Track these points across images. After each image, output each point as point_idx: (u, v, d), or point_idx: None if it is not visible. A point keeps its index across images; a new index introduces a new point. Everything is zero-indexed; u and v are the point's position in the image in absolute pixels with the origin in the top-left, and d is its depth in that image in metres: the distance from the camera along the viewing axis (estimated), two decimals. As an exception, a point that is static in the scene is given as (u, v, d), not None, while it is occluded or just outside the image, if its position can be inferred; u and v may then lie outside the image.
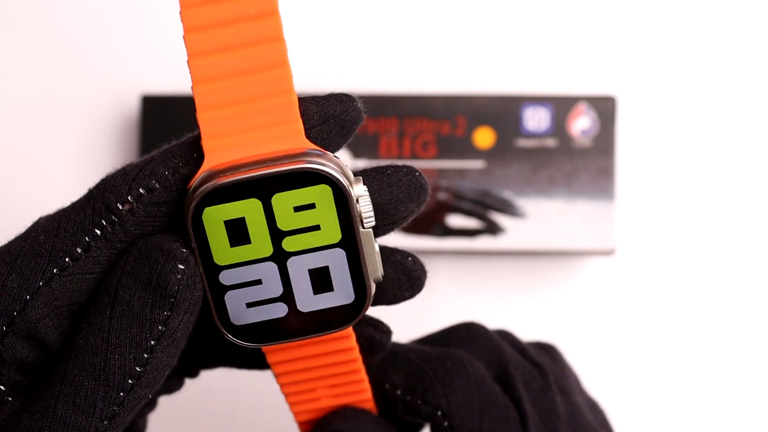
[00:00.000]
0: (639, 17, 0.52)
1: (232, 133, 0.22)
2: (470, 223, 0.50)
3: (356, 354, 0.27)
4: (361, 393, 0.28)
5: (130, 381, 0.22)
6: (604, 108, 0.50)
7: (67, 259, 0.23)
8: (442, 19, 0.53)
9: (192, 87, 0.22)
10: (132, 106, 0.52)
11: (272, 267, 0.23)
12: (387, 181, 0.24)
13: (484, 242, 0.49)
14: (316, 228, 0.23)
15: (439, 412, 0.28)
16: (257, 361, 0.28)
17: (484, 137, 0.50)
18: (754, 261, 0.52)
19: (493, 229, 0.49)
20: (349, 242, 0.23)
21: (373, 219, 0.23)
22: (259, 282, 0.23)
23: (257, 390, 0.51)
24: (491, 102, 0.50)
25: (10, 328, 0.23)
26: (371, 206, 0.23)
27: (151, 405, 0.29)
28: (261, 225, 0.23)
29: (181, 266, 0.22)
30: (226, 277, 0.23)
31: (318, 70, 0.52)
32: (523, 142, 0.50)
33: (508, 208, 0.49)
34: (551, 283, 0.52)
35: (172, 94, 0.50)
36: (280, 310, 0.24)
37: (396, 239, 0.49)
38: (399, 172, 0.24)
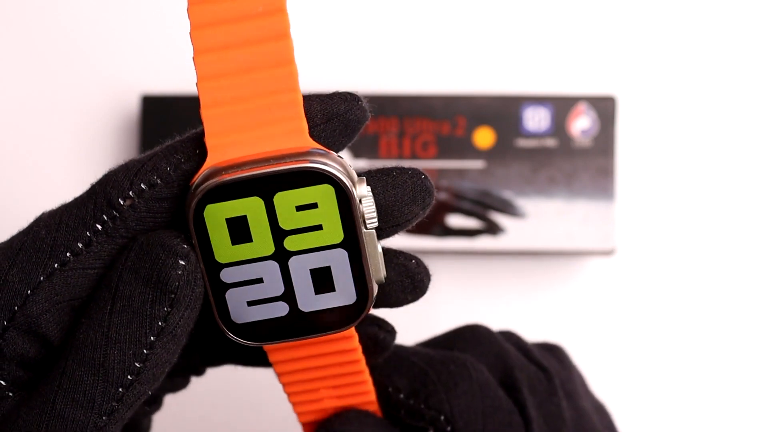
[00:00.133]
0: (639, 17, 0.52)
1: (236, 130, 0.22)
2: (470, 223, 0.50)
3: (359, 355, 0.26)
4: (364, 395, 0.28)
5: (129, 377, 0.22)
6: (604, 108, 0.50)
7: (68, 254, 0.23)
8: (442, 19, 0.53)
9: (197, 83, 0.22)
10: (132, 106, 0.52)
11: (273, 266, 0.23)
12: (392, 183, 0.24)
13: (484, 242, 0.49)
14: (318, 228, 0.23)
15: (442, 417, 0.28)
16: (262, 359, 0.28)
17: (484, 137, 0.50)
18: (754, 261, 0.52)
19: (493, 229, 0.49)
20: (352, 243, 0.23)
21: (375, 220, 0.23)
22: (260, 281, 0.23)
23: (262, 389, 0.51)
24: (491, 102, 0.50)
25: (11, 322, 0.23)
26: (374, 207, 0.23)
27: (157, 404, 0.29)
28: (263, 223, 0.23)
29: (182, 262, 0.22)
30: (227, 275, 0.23)
31: (318, 70, 0.52)
32: (523, 142, 0.50)
33: (508, 208, 0.49)
34: (551, 283, 0.52)
35: (172, 94, 0.50)
36: (281, 310, 0.24)
37: (396, 239, 0.49)
38: (404, 174, 0.24)
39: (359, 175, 0.24)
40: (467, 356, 0.29)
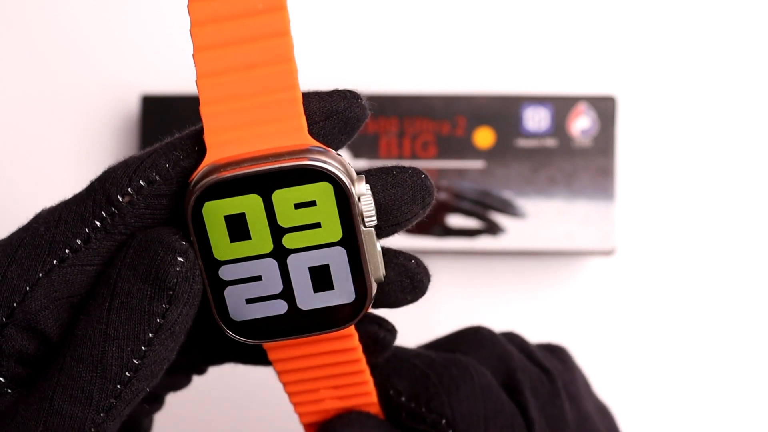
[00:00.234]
0: (639, 17, 0.52)
1: (235, 127, 0.22)
2: (470, 223, 0.50)
3: (359, 354, 0.26)
4: (365, 396, 0.28)
5: (127, 373, 0.22)
6: (604, 108, 0.50)
7: (67, 251, 0.23)
8: (442, 19, 0.53)
9: (196, 80, 0.22)
10: (132, 106, 0.52)
11: (272, 264, 0.23)
12: (392, 182, 0.24)
13: (484, 242, 0.49)
14: (317, 226, 0.23)
15: (444, 421, 0.28)
16: (262, 357, 0.27)
17: (484, 137, 0.50)
18: (754, 261, 0.52)
19: (493, 229, 0.49)
20: (350, 241, 0.23)
21: (374, 218, 0.23)
22: (258, 278, 0.23)
23: (263, 389, 0.51)
24: (491, 102, 0.50)
25: (9, 319, 0.23)
26: (373, 205, 0.23)
27: (158, 403, 0.29)
28: (261, 221, 0.23)
29: (180, 259, 0.22)
30: (225, 273, 0.23)
31: (318, 69, 0.52)
32: (523, 142, 0.50)
33: (508, 208, 0.49)
34: (551, 283, 0.52)
35: (172, 94, 0.50)
36: (280, 308, 0.24)
37: (396, 239, 0.49)
38: (404, 173, 0.24)
39: (359, 173, 0.24)
40: (469, 359, 0.29)
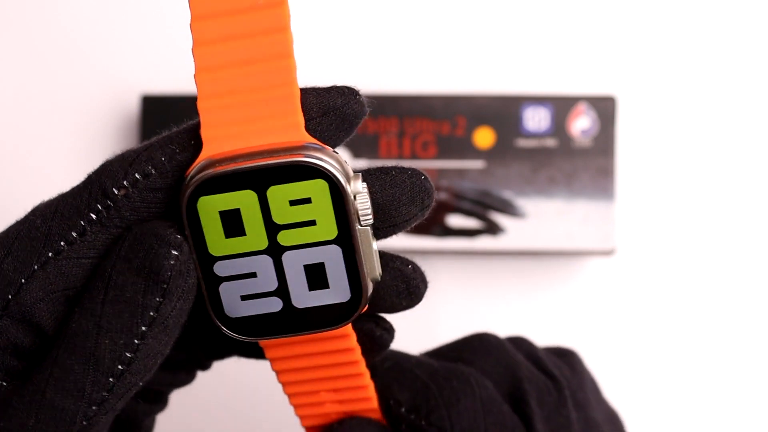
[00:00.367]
0: (639, 17, 0.52)
1: (232, 123, 0.22)
2: (470, 223, 0.49)
3: (357, 356, 0.26)
4: (366, 401, 0.28)
5: (120, 367, 0.22)
6: (604, 108, 0.50)
7: (62, 243, 0.22)
8: (442, 19, 0.53)
9: (194, 75, 0.22)
10: (132, 106, 0.52)
11: (267, 260, 0.23)
12: (390, 182, 0.24)
13: (484, 242, 0.49)
14: (312, 223, 0.23)
15: None
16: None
17: (484, 137, 0.50)
18: (754, 260, 0.52)
19: (493, 229, 0.49)
20: (346, 239, 0.23)
21: (370, 217, 0.23)
22: (253, 275, 0.23)
23: (265, 394, 0.51)
24: (491, 102, 0.50)
25: (4, 311, 0.22)
26: (369, 204, 0.23)
27: (162, 403, 0.29)
28: (256, 217, 0.22)
29: (174, 252, 0.22)
30: (220, 269, 0.23)
31: (319, 69, 0.52)
32: (523, 142, 0.50)
33: (508, 208, 0.49)
34: (551, 283, 0.52)
35: (172, 94, 0.50)
36: (275, 305, 0.24)
37: (396, 238, 0.49)
38: (403, 173, 0.24)
39: (356, 172, 0.23)
40: (472, 370, 0.29)
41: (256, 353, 0.28)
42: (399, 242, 0.49)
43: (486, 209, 0.49)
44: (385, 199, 0.24)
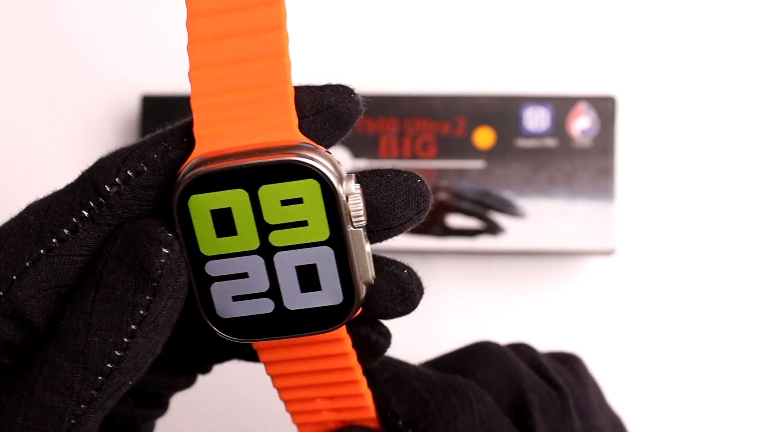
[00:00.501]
0: (639, 17, 0.52)
1: (225, 121, 0.22)
2: (470, 223, 0.49)
3: (352, 361, 0.26)
4: (364, 410, 0.27)
5: (109, 365, 0.22)
6: (604, 108, 0.50)
7: (54, 240, 0.22)
8: (442, 19, 0.53)
9: (188, 73, 0.22)
10: (132, 106, 0.52)
11: (259, 261, 0.23)
12: (385, 184, 0.23)
13: (484, 242, 0.49)
14: (304, 224, 0.22)
15: None
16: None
17: (484, 137, 0.50)
18: (754, 260, 0.52)
19: (493, 229, 0.49)
20: (338, 241, 0.23)
21: (363, 218, 0.22)
22: (245, 275, 0.23)
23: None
24: (491, 102, 0.50)
25: None
26: (361, 205, 0.22)
27: (162, 408, 0.29)
28: (247, 217, 0.22)
29: (165, 250, 0.22)
30: (211, 268, 0.23)
31: (318, 69, 0.52)
32: (523, 142, 0.50)
33: (508, 208, 0.49)
34: (551, 283, 0.52)
35: (172, 94, 0.50)
36: (267, 306, 0.23)
37: (396, 239, 0.49)
38: (399, 176, 0.23)
39: (351, 173, 0.23)
40: (471, 384, 0.29)
41: (257, 356, 0.27)
42: (399, 242, 0.49)
43: (486, 209, 0.49)
44: (379, 201, 0.23)
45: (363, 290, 0.24)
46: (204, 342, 0.27)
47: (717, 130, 0.52)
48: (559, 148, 0.49)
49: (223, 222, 0.22)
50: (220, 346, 0.28)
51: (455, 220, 0.49)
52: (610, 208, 0.49)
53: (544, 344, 0.53)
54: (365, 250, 0.23)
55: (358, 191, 0.22)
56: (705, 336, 0.52)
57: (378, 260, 0.25)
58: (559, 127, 0.50)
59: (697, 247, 0.52)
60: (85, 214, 0.22)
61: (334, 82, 0.23)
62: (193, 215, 0.22)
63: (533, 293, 0.52)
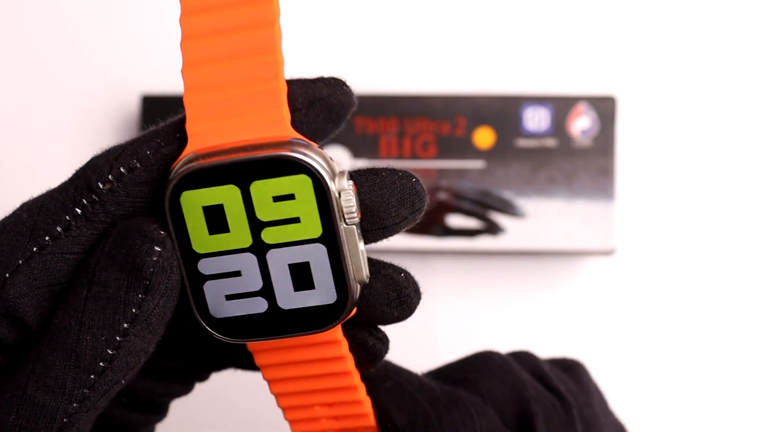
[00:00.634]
0: (639, 17, 0.52)
1: (217, 117, 0.22)
2: (470, 223, 0.49)
3: (349, 366, 0.25)
4: (363, 418, 0.27)
5: (101, 364, 0.22)
6: (604, 108, 0.50)
7: (47, 238, 0.22)
8: (442, 19, 0.53)
9: (181, 69, 0.22)
10: (132, 106, 0.52)
11: (251, 259, 0.22)
12: (379, 183, 0.23)
13: (484, 242, 0.49)
14: (296, 220, 0.22)
15: None
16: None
17: (484, 137, 0.50)
18: (754, 260, 0.52)
19: (493, 229, 0.49)
20: (330, 238, 0.22)
21: (355, 215, 0.22)
22: (238, 274, 0.23)
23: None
24: (491, 102, 0.50)
25: None
26: (353, 201, 0.22)
27: (159, 413, 0.29)
28: (239, 213, 0.22)
29: (157, 248, 0.22)
30: (204, 266, 0.23)
31: (318, 69, 0.52)
32: (523, 142, 0.50)
33: (508, 208, 0.49)
34: (551, 283, 0.52)
35: (172, 94, 0.50)
36: (260, 306, 0.23)
37: (396, 239, 0.49)
38: (393, 174, 0.23)
39: (345, 170, 0.23)
40: (474, 398, 0.28)
41: (253, 364, 0.27)
42: (399, 242, 0.49)
43: (486, 209, 0.49)
44: (374, 200, 0.23)
45: (357, 289, 0.23)
46: (198, 346, 0.27)
47: (717, 130, 0.52)
48: (559, 148, 0.49)
49: (216, 219, 0.22)
50: (215, 352, 0.27)
51: (455, 220, 0.49)
52: (610, 208, 0.49)
53: (544, 344, 0.53)
54: (359, 248, 0.23)
55: (351, 188, 0.22)
56: (705, 336, 0.52)
57: (374, 263, 0.24)
58: (559, 127, 0.50)
59: (697, 246, 0.52)
60: (78, 211, 0.22)
61: (326, 75, 0.23)
62: (186, 212, 0.22)
63: (533, 293, 0.52)
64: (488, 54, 0.52)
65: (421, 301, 0.25)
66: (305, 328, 0.23)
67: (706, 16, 0.52)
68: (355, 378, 0.26)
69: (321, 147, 0.22)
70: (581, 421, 0.30)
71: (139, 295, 0.22)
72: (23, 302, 0.22)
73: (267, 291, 0.23)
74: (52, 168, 0.53)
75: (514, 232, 0.49)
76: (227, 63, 0.22)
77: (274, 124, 0.22)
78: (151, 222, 0.22)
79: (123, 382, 0.23)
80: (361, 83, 0.52)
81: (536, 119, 0.50)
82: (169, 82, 0.52)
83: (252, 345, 0.25)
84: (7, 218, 0.23)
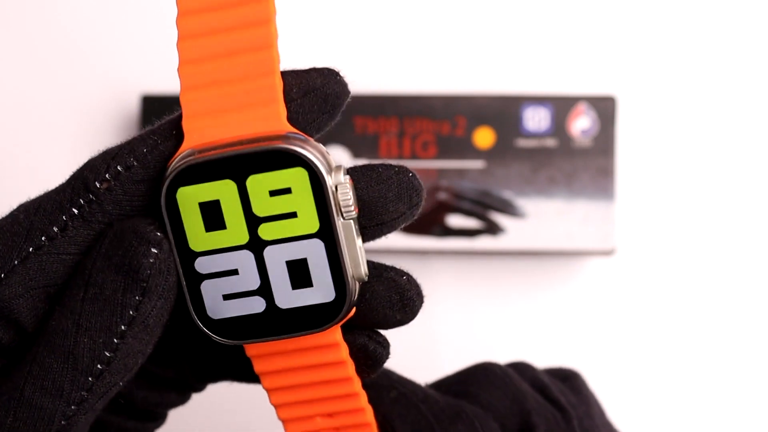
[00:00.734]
0: (639, 17, 0.52)
1: (213, 113, 0.22)
2: (470, 223, 0.49)
3: (349, 371, 0.25)
4: (365, 428, 0.27)
5: (99, 366, 0.22)
6: (604, 108, 0.50)
7: (43, 238, 0.22)
8: (442, 19, 0.53)
9: (177, 69, 0.22)
10: (132, 106, 0.52)
11: (249, 256, 0.22)
12: (376, 178, 0.23)
13: (484, 242, 0.49)
14: (293, 215, 0.22)
15: None
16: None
17: (484, 137, 0.50)
18: (754, 260, 0.52)
19: (493, 229, 0.49)
20: (327, 233, 0.22)
21: (352, 209, 0.22)
22: (235, 272, 0.22)
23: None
24: (491, 102, 0.50)
25: None
26: (350, 195, 0.22)
27: (157, 420, 0.28)
28: (236, 209, 0.22)
29: (154, 250, 0.21)
30: (201, 265, 0.22)
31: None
32: (523, 142, 0.50)
33: (508, 208, 0.49)
34: (551, 283, 0.52)
35: (172, 94, 0.50)
36: (258, 305, 0.23)
37: (396, 239, 0.49)
38: (390, 170, 0.23)
39: (341, 165, 0.23)
40: (477, 411, 0.28)
41: (249, 377, 0.27)
42: (399, 242, 0.49)
43: (486, 209, 0.49)
44: (371, 196, 0.23)
45: (356, 287, 0.23)
46: (193, 354, 0.27)
47: (717, 130, 0.52)
48: (559, 148, 0.49)
49: (212, 215, 0.22)
50: (211, 361, 0.27)
51: (455, 220, 0.50)
52: (610, 208, 0.49)
53: (544, 344, 0.53)
54: (356, 244, 0.22)
55: (348, 182, 0.22)
56: (705, 336, 0.52)
57: (376, 266, 0.24)
58: (559, 127, 0.50)
59: (697, 246, 0.52)
60: (75, 211, 0.22)
61: (318, 66, 0.23)
62: (182, 208, 0.22)
63: (533, 293, 0.52)
64: (488, 54, 0.52)
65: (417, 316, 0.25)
66: (304, 328, 0.23)
67: (706, 16, 0.52)
68: (356, 385, 0.26)
69: (318, 141, 0.22)
70: None
71: (137, 297, 0.22)
72: (18, 303, 0.22)
73: (265, 289, 0.23)
74: (52, 168, 0.53)
75: (514, 232, 0.49)
76: (223, 60, 0.22)
77: (270, 120, 0.22)
78: (148, 223, 0.22)
79: (121, 384, 0.23)
80: (361, 83, 0.52)
81: (536, 119, 0.50)
82: (169, 82, 0.52)
83: (251, 349, 0.25)
84: (3, 219, 0.23)
